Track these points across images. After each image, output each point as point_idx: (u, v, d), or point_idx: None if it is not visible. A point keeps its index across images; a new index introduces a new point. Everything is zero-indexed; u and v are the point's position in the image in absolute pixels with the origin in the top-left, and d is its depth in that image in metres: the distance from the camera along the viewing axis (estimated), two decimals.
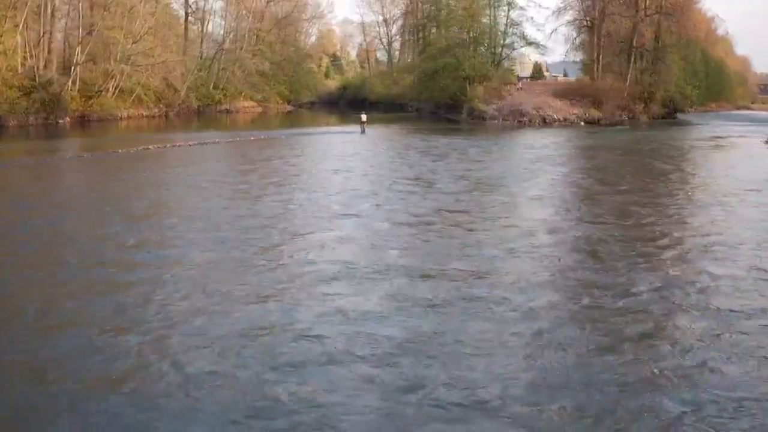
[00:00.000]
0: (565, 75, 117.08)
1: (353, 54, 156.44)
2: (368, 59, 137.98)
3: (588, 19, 72.88)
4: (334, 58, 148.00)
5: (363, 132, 50.39)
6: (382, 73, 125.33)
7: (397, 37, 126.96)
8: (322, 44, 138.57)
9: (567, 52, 78.69)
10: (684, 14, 72.25)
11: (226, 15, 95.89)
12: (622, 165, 33.27)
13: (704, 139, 50.85)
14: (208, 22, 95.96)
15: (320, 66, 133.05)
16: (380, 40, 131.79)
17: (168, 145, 39.07)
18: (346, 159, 33.25)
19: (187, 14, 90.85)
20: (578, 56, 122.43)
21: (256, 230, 16.32)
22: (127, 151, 35.18)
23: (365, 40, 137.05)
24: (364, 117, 51.55)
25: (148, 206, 19.76)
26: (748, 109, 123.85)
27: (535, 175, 27.62)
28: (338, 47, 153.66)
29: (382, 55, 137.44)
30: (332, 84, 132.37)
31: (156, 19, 71.15)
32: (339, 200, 20.74)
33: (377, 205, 20.01)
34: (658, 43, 71.35)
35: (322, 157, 35.38)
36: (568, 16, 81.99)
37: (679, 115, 79.49)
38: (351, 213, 18.60)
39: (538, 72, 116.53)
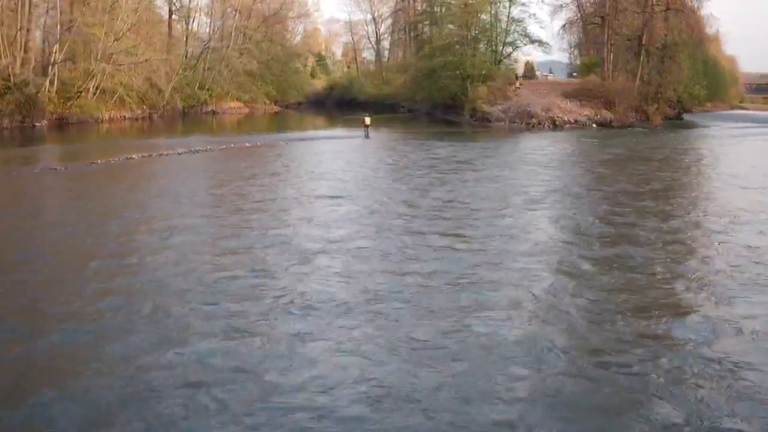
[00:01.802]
0: (551, 73, 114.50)
1: (338, 53, 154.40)
2: (356, 59, 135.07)
3: (598, 15, 69.38)
4: (320, 58, 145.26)
5: (367, 136, 46.89)
6: (372, 72, 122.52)
7: (386, 35, 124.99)
8: (307, 44, 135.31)
9: (572, 50, 75.48)
10: (694, 11, 69.15)
11: (211, 12, 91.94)
12: (686, 188, 27.17)
13: (737, 143, 47.31)
14: (193, 20, 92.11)
15: (305, 66, 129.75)
16: (368, 38, 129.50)
17: (153, 154, 34.72)
18: (345, 178, 27.15)
19: (171, 11, 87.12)
20: (575, 55, 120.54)
21: (191, 344, 9.74)
22: (107, 162, 31.04)
23: (353, 39, 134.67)
24: (367, 120, 47.72)
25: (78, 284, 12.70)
26: (742, 108, 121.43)
27: (591, 212, 20.45)
28: (323, 46, 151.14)
29: (369, 55, 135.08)
30: (319, 84, 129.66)
31: (139, 15, 67.18)
32: (333, 270, 13.62)
33: (396, 295, 12.07)
34: (666, 40, 68.19)
35: (318, 173, 28.88)
36: (569, 13, 79.40)
37: (684, 116, 76.37)
38: (352, 304, 11.47)
39: (530, 71, 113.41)
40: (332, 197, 22.35)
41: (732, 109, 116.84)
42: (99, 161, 31.04)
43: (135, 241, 16.18)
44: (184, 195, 22.86)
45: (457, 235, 16.83)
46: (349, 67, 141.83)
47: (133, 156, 33.12)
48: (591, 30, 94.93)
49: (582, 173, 30.82)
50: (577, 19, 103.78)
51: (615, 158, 37.01)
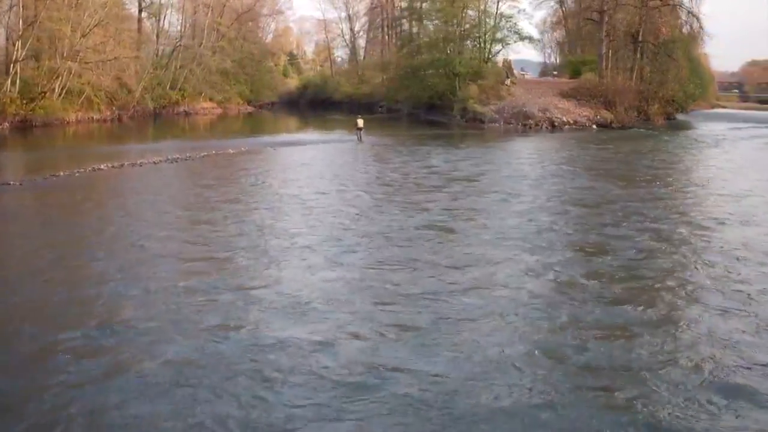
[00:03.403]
0: (523, 71, 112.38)
1: (309, 52, 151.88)
2: (330, 57, 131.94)
3: (595, 11, 66.15)
4: (291, 57, 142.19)
5: (360, 140, 43.44)
6: (347, 71, 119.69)
7: (362, 33, 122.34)
8: (279, 42, 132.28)
9: (546, 48, 72.55)
10: (695, 6, 66.27)
11: (183, 9, 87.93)
12: None
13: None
14: (164, 17, 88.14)
15: (277, 65, 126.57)
16: (343, 36, 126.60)
17: (125, 164, 30.08)
18: (335, 209, 20.26)
19: (140, 8, 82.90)
20: (548, 53, 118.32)
21: None
22: (72, 174, 26.55)
23: (326, 37, 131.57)
24: (360, 122, 43.98)
25: None
26: (722, 107, 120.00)
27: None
28: (295, 45, 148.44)
29: (343, 53, 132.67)
30: (292, 83, 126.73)
31: (107, 11, 63.04)
32: None
33: None
34: (664, 36, 65.43)
35: (304, 199, 21.85)
36: (550, 10, 76.94)
37: (677, 116, 73.33)
38: None
39: (508, 69, 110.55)
40: (318, 247, 15.39)
41: (712, 108, 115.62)
42: (61, 173, 26.63)
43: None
44: (133, 235, 16.74)
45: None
46: (322, 66, 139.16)
47: (102, 166, 28.69)
48: (574, 27, 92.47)
49: (645, 202, 21.79)
50: (559, 17, 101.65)
51: (662, 172, 29.89)
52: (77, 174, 26.87)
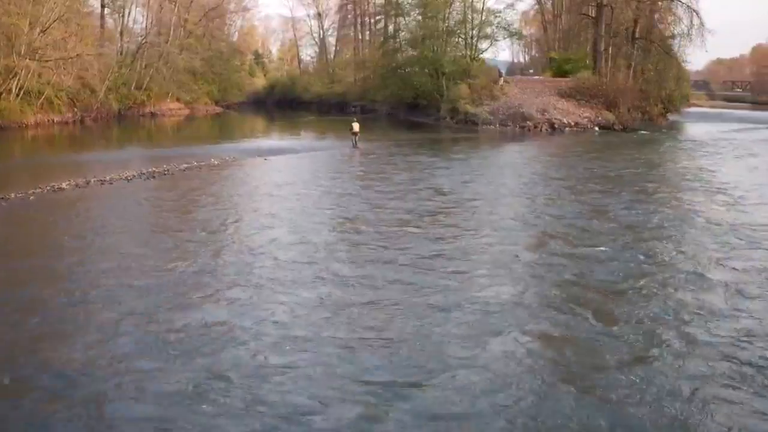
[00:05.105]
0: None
1: (274, 51, 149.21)
2: (298, 56, 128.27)
3: (591, 5, 62.76)
4: (257, 56, 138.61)
5: (355, 146, 39.70)
6: (317, 70, 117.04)
7: (332, 31, 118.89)
8: (245, 41, 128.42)
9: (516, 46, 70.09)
10: (694, 2, 63.27)
11: (148, 5, 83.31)
12: None
13: None
14: (128, 13, 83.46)
15: (243, 64, 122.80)
16: (312, 35, 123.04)
17: (91, 181, 24.75)
18: (327, 278, 13.37)
19: (103, 4, 78.13)
20: (516, 51, 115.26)
21: None
22: (25, 198, 21.36)
23: (294, 35, 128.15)
24: (355, 127, 39.98)
25: None
26: (698, 106, 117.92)
27: None
28: (260, 44, 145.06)
29: (312, 52, 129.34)
30: (259, 83, 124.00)
31: (68, 5, 58.47)
32: None
33: None
34: (662, 33, 62.60)
35: (280, 263, 14.40)
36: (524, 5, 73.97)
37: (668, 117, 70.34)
38: None
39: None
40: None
41: (689, 107, 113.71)
42: (13, 195, 21.50)
43: None
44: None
45: None
46: (289, 65, 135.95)
47: (63, 185, 23.67)
48: (554, 24, 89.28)
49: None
50: (536, 13, 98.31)
51: (735, 195, 23.44)
52: (32, 197, 21.74)
